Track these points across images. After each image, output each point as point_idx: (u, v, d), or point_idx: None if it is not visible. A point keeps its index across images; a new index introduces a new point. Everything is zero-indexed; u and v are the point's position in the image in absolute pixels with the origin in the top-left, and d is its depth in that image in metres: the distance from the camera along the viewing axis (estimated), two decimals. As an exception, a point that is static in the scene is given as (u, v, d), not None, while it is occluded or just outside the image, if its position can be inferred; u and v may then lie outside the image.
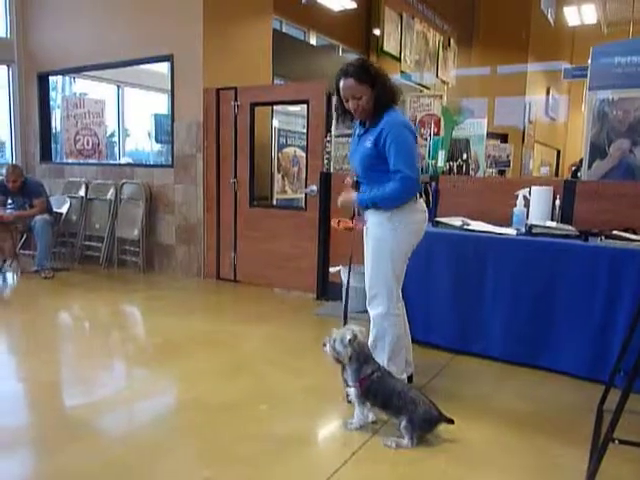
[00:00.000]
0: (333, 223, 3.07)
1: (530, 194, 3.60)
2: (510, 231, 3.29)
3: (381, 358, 2.60)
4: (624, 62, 4.42)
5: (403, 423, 2.22)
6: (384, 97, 2.47)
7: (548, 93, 12.48)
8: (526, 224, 3.34)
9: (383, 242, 2.55)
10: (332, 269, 4.45)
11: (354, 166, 2.70)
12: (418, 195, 2.59)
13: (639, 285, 2.72)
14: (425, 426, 2.23)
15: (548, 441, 2.35)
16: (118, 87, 7.64)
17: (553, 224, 3.29)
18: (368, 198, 2.55)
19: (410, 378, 2.80)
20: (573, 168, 9.51)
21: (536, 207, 3.55)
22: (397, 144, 2.41)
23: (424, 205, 2.65)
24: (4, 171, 5.46)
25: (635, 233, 3.13)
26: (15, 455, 2.22)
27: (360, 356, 2.31)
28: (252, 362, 3.24)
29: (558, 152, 13.97)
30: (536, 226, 3.24)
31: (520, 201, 3.56)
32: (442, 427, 2.30)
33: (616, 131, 4.21)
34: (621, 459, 2.05)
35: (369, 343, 2.58)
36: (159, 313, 4.31)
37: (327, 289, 4.67)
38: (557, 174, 13.26)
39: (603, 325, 2.88)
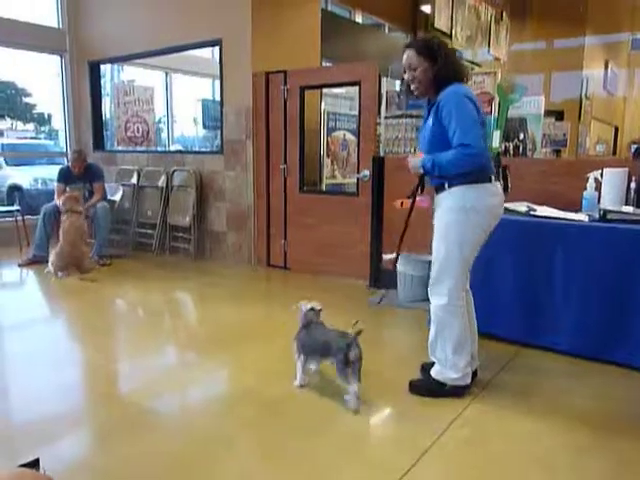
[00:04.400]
0: (397, 204, 2.96)
1: (602, 176, 3.37)
2: (581, 217, 3.09)
3: (444, 351, 2.52)
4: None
5: (339, 366, 2.41)
6: (446, 72, 2.37)
7: (606, 67, 11.82)
8: (599, 209, 3.12)
9: (453, 228, 2.40)
10: (386, 256, 4.33)
11: (422, 149, 2.55)
12: (493, 177, 2.43)
13: None
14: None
15: (626, 445, 2.19)
16: (166, 74, 7.68)
17: (630, 209, 3.07)
18: (431, 159, 2.39)
19: (475, 373, 2.67)
20: (634, 146, 9.01)
21: (609, 191, 3.31)
22: (456, 113, 2.28)
23: (500, 188, 2.48)
24: (69, 156, 5.59)
25: None
26: (75, 444, 2.25)
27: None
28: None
29: (616, 129, 13.27)
30: (611, 211, 3.02)
31: (591, 184, 3.34)
32: (515, 427, 2.18)
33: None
34: None
35: (430, 338, 2.55)
36: (212, 301, 4.32)
37: (380, 277, 4.56)
38: (614, 152, 12.63)
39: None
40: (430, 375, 2.62)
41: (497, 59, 9.39)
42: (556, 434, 2.25)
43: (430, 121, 2.42)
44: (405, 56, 2.44)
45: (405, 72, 2.46)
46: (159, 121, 7.86)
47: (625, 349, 2.85)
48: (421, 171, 2.47)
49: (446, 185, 2.41)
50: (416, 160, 2.49)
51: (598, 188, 3.36)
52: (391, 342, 3.54)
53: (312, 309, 2.75)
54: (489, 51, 9.06)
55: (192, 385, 2.82)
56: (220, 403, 2.61)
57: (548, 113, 7.08)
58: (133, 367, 3.07)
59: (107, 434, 2.28)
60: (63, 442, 2.22)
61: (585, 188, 3.34)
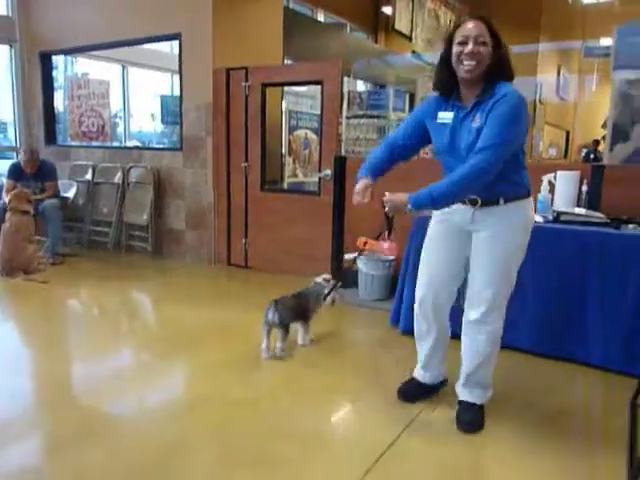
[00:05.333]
0: (359, 243, 2.57)
1: (555, 179, 3.48)
2: (536, 218, 3.17)
3: (489, 375, 2.36)
4: (649, 41, 4.26)
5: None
6: (506, 65, 2.02)
7: (559, 73, 12.24)
8: (553, 211, 3.22)
9: (517, 251, 2.14)
10: (347, 256, 4.34)
11: (449, 158, 2.12)
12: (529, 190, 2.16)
13: (676, 276, 2.60)
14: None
15: (582, 439, 2.27)
16: (123, 67, 7.47)
17: (582, 211, 3.18)
18: (428, 192, 1.97)
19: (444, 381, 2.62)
20: (584, 150, 9.32)
21: (562, 193, 3.42)
22: (499, 119, 1.91)
23: None
24: (22, 154, 5.34)
25: (667, 220, 3.02)
26: (29, 451, 2.15)
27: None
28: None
29: (567, 133, 13.76)
30: (564, 213, 3.12)
31: (545, 186, 3.44)
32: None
33: (639, 113, 4.07)
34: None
35: (476, 365, 2.31)
36: (170, 301, 4.22)
37: (342, 275, 4.55)
38: (566, 156, 13.08)
39: (636, 317, 2.78)
40: (472, 406, 2.35)
41: (456, 62, 9.57)
42: (510, 428, 2.31)
43: (476, 124, 1.99)
44: (473, 25, 1.99)
45: (464, 43, 1.98)
46: (115, 116, 7.65)
47: (579, 347, 2.95)
48: (409, 210, 2.02)
49: (501, 200, 2.06)
50: (401, 197, 2.03)
51: (552, 190, 3.46)
52: (353, 340, 3.55)
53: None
54: (448, 54, 9.22)
55: (150, 389, 2.74)
56: (179, 406, 2.55)
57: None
58: (87, 371, 2.97)
59: (59, 442, 2.19)
60: (11, 450, 2.12)
61: (539, 191, 3.44)
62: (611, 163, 3.95)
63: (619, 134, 4.15)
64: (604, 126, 4.33)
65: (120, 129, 7.92)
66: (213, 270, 5.23)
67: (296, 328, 3.17)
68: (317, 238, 4.71)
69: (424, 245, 2.36)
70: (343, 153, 4.61)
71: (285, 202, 4.96)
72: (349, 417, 2.54)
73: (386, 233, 2.29)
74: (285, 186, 5.65)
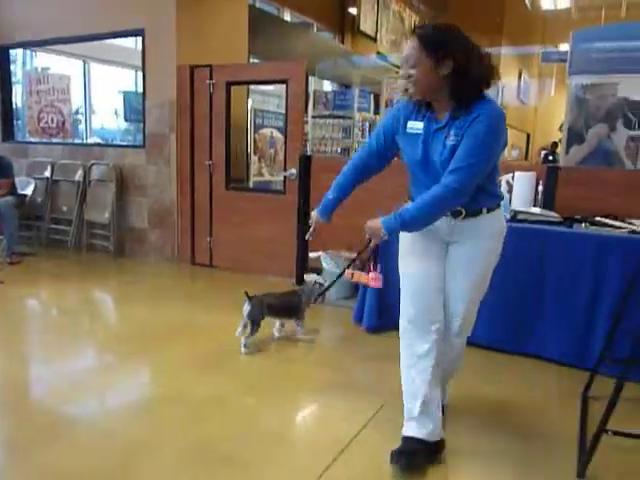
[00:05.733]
0: (347, 274, 2.45)
1: (513, 180, 3.58)
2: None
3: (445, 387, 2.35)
4: (603, 47, 4.43)
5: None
6: (465, 81, 1.78)
7: (520, 77, 12.58)
8: (510, 210, 3.32)
9: (494, 257, 2.05)
10: (312, 254, 4.37)
11: (420, 172, 1.97)
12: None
13: (624, 272, 2.72)
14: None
15: (535, 429, 2.35)
16: (84, 62, 7.30)
17: (537, 210, 3.28)
18: (399, 216, 1.87)
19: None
20: (543, 152, 9.60)
21: (519, 193, 3.53)
22: (476, 138, 1.76)
23: None
24: None
25: (617, 219, 3.15)
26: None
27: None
28: (233, 352, 3.14)
29: (528, 135, 14.15)
30: (521, 212, 3.23)
31: (504, 187, 3.54)
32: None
33: (593, 116, 4.23)
34: (610, 447, 2.04)
35: (446, 370, 2.21)
36: (132, 301, 4.16)
37: (307, 274, 4.58)
38: (526, 157, 13.45)
39: (588, 312, 2.89)
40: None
41: (420, 64, 9.72)
42: (466, 420, 2.37)
43: (451, 141, 1.83)
44: (406, 45, 1.83)
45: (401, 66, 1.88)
46: (76, 112, 7.47)
47: (535, 341, 3.05)
48: (386, 237, 1.91)
49: (484, 210, 1.95)
50: (377, 222, 1.91)
51: (510, 191, 3.56)
52: (317, 337, 3.57)
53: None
54: (413, 56, 9.36)
55: (111, 390, 2.70)
56: (142, 407, 2.52)
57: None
58: (46, 373, 2.90)
59: (17, 445, 2.14)
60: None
61: (498, 190, 3.53)
62: (566, 165, 4.10)
63: (574, 137, 4.30)
64: (561, 129, 4.47)
65: (82, 126, 7.74)
66: (177, 269, 5.18)
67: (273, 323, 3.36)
68: (282, 237, 4.72)
69: (400, 257, 2.14)
70: (309, 152, 4.62)
71: (250, 201, 4.95)
72: (312, 414, 2.56)
73: (371, 263, 2.19)
74: (251, 185, 5.64)
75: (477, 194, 1.88)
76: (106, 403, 2.60)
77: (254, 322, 3.07)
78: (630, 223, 3.05)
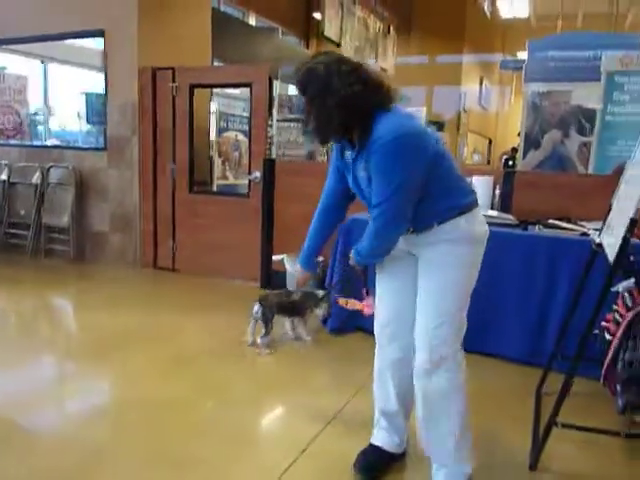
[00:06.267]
0: (340, 302, 2.38)
1: (472, 184, 3.67)
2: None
3: (454, 440, 1.82)
4: (557, 56, 4.60)
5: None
6: (364, 105, 1.66)
7: (481, 83, 12.89)
8: (469, 213, 3.40)
9: (457, 267, 1.78)
10: (275, 257, 4.38)
11: (362, 199, 1.88)
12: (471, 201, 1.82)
13: (574, 273, 2.82)
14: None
15: (490, 424, 2.41)
16: (43, 62, 7.13)
17: (494, 213, 3.38)
18: (356, 250, 1.86)
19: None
20: (504, 157, 9.88)
21: (478, 196, 3.62)
22: (382, 168, 1.66)
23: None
24: None
25: (569, 222, 3.27)
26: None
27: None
28: (195, 356, 3.13)
29: (490, 141, 14.49)
30: (478, 215, 3.31)
31: (462, 190, 3.63)
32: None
33: (548, 122, 4.38)
34: (561, 440, 2.13)
35: (426, 428, 1.89)
36: (92, 306, 4.08)
37: (271, 277, 4.59)
38: (489, 162, 13.77)
39: (542, 312, 3.00)
40: None
41: (384, 70, 9.86)
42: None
43: (363, 174, 1.75)
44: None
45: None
46: (35, 113, 7.28)
47: (491, 340, 3.13)
48: (359, 266, 1.91)
49: (435, 224, 1.76)
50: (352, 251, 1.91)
51: (469, 194, 3.65)
52: (282, 339, 3.57)
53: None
54: (376, 62, 9.49)
55: (69, 397, 2.66)
56: (100, 414, 2.48)
57: (430, 124, 7.60)
58: (1, 381, 2.82)
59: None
60: None
61: (458, 194, 3.62)
62: (522, 169, 4.24)
63: (531, 142, 4.45)
64: (520, 134, 4.62)
65: (41, 127, 7.55)
66: (139, 274, 5.11)
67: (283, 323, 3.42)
68: (246, 240, 4.71)
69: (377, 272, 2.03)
70: (274, 156, 4.64)
71: (214, 204, 4.93)
72: (273, 414, 2.57)
73: (364, 290, 2.10)
74: (214, 188, 5.61)
75: (421, 214, 1.75)
76: (63, 411, 2.56)
77: (267, 322, 3.16)
78: (581, 225, 3.17)
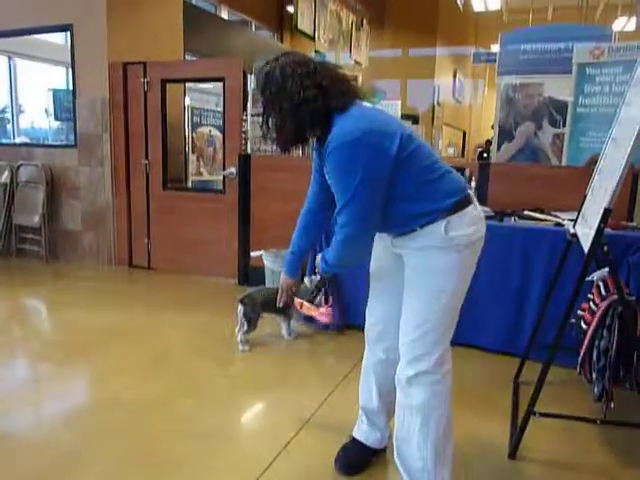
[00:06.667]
0: (296, 303, 2.24)
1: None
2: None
3: (423, 458, 1.70)
4: (529, 49, 4.65)
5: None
6: (318, 109, 1.60)
7: (455, 76, 12.97)
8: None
9: (442, 274, 1.66)
10: (253, 253, 4.34)
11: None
12: (472, 193, 1.72)
13: (550, 263, 2.86)
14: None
15: (469, 414, 2.43)
16: (9, 58, 6.93)
17: (470, 205, 3.40)
18: (322, 258, 1.79)
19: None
20: (479, 149, 9.98)
21: (453, 189, 3.64)
22: (337, 174, 1.60)
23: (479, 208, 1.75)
24: None
25: (543, 212, 3.31)
26: None
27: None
28: (172, 355, 3.10)
29: (464, 133, 14.62)
30: (454, 207, 3.33)
31: (438, 183, 3.64)
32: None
33: (521, 115, 4.43)
34: (539, 429, 2.16)
35: (400, 437, 1.77)
36: (66, 306, 4.00)
37: (249, 274, 4.56)
38: (463, 154, 13.91)
39: (518, 302, 3.04)
40: None
41: (358, 63, 9.85)
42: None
43: (327, 175, 1.69)
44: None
45: None
46: (2, 111, 7.09)
47: (467, 330, 3.14)
48: (322, 273, 1.83)
49: (417, 228, 1.65)
50: (318, 259, 1.84)
51: (445, 186, 3.67)
52: (261, 335, 3.55)
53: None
54: (350, 55, 9.47)
55: (44, 399, 2.59)
56: (76, 416, 2.42)
57: (405, 117, 7.62)
58: (-30, 384, 2.74)
59: None
60: None
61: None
62: (496, 162, 4.27)
63: (505, 135, 4.49)
64: (493, 127, 4.66)
65: (9, 125, 7.35)
66: (113, 272, 5.02)
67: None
68: (223, 237, 4.67)
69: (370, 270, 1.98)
70: (249, 151, 4.59)
71: (189, 201, 4.86)
72: (254, 411, 2.55)
73: (322, 298, 2.06)
74: (189, 184, 5.53)
75: (399, 218, 1.67)
76: (39, 412, 2.50)
77: (250, 320, 3.14)
78: (556, 216, 3.21)
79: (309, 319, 3.49)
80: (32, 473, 1.95)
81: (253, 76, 4.91)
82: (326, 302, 1.97)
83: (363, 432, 2.06)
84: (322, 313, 2.04)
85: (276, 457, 2.06)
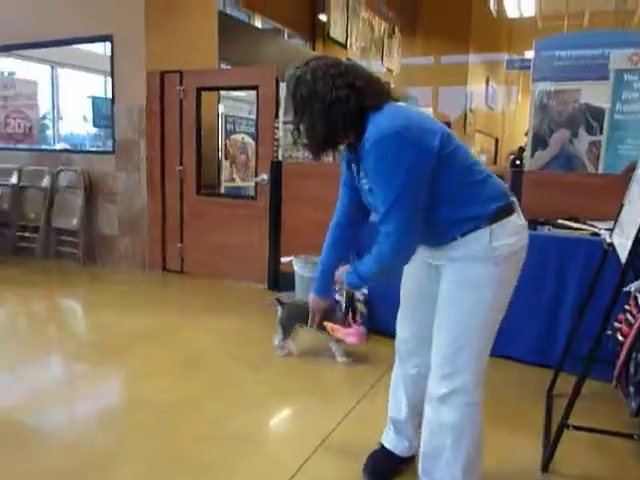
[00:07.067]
0: (328, 328, 2.18)
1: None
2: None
3: (452, 474, 1.65)
4: (564, 55, 4.58)
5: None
6: (352, 109, 1.54)
7: (487, 83, 12.86)
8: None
9: (481, 287, 1.58)
10: (284, 259, 4.38)
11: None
12: (514, 201, 1.63)
13: (585, 273, 2.81)
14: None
15: (501, 427, 2.39)
16: (52, 67, 7.18)
17: (503, 214, 3.36)
18: (354, 271, 1.68)
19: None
20: (511, 157, 9.85)
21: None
22: (378, 172, 1.52)
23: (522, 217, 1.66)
24: None
25: (578, 221, 3.25)
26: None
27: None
28: (203, 357, 3.14)
29: (496, 140, 14.46)
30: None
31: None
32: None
33: (556, 122, 4.36)
34: (573, 443, 2.11)
35: (427, 453, 1.72)
36: (101, 308, 4.10)
37: (279, 280, 4.60)
38: (495, 162, 13.75)
39: (552, 313, 2.98)
40: None
41: (390, 71, 9.87)
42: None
43: (365, 182, 1.61)
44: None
45: None
46: (44, 117, 7.34)
47: (499, 341, 3.11)
48: (348, 288, 1.76)
49: (457, 236, 1.58)
50: (341, 273, 1.77)
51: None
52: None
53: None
54: (382, 63, 9.49)
55: (78, 399, 2.67)
56: (109, 416, 2.49)
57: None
58: (9, 381, 2.84)
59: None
60: None
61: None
62: (530, 169, 4.22)
63: (538, 142, 4.44)
64: (527, 134, 4.60)
65: (50, 131, 7.61)
66: (147, 276, 5.13)
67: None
68: (254, 242, 4.72)
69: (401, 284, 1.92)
70: (281, 158, 4.64)
71: (222, 206, 4.94)
72: (283, 417, 2.57)
73: (350, 316, 1.93)
74: (222, 190, 5.62)
75: (437, 226, 1.59)
76: (73, 411, 2.57)
77: (284, 329, 3.13)
78: (592, 225, 3.15)
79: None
80: (64, 472, 2.01)
81: (284, 83, 4.97)
82: (354, 320, 1.81)
83: (391, 440, 2.05)
84: (353, 334, 1.92)
85: (304, 463, 2.07)
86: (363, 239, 1.86)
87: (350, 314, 1.92)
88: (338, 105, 1.53)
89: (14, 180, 5.67)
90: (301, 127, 1.61)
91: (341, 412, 2.47)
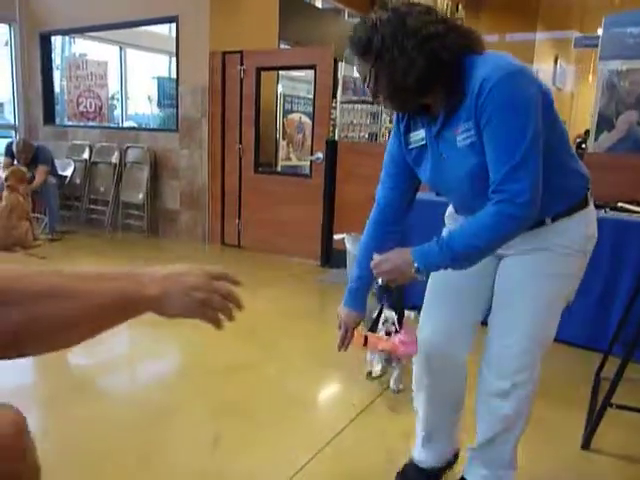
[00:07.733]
0: (356, 341, 1.65)
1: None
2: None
3: (511, 450, 1.60)
4: (636, 32, 4.36)
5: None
6: (451, 48, 1.26)
7: (556, 62, 12.30)
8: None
9: (564, 279, 1.46)
10: (336, 236, 4.47)
11: (452, 197, 1.55)
12: (589, 192, 1.44)
13: (641, 257, 2.75)
14: None
15: (545, 408, 2.40)
16: (120, 48, 7.52)
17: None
18: (438, 246, 1.31)
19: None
20: (578, 140, 9.45)
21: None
22: (506, 116, 1.23)
23: None
24: (14, 145, 5.35)
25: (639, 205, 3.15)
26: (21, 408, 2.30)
27: None
28: (257, 326, 3.30)
29: (564, 122, 13.85)
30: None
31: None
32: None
33: (625, 102, 4.19)
34: (615, 424, 2.11)
35: (488, 438, 1.58)
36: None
37: (331, 256, 4.71)
38: (562, 145, 13.16)
39: (604, 295, 2.93)
40: None
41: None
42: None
43: (467, 140, 1.31)
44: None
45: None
46: (113, 97, 7.72)
47: (563, 327, 3.09)
48: (417, 273, 1.34)
49: (547, 220, 1.39)
50: (403, 256, 1.35)
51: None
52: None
53: None
54: (444, 41, 9.27)
55: (140, 359, 2.92)
56: (172, 375, 2.72)
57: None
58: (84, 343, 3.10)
59: (55, 398, 2.35)
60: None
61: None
62: (593, 151, 4.09)
63: (605, 123, 4.27)
64: (592, 115, 4.44)
65: (117, 110, 8.00)
66: (206, 249, 5.37)
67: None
68: (308, 219, 4.84)
69: None
70: (337, 137, 4.71)
71: (278, 184, 5.08)
72: (329, 385, 2.70)
73: (398, 320, 1.62)
74: (279, 169, 5.76)
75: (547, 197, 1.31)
76: (133, 371, 2.81)
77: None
78: (654, 209, 3.05)
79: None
80: (128, 417, 2.22)
81: (343, 63, 5.01)
82: (400, 326, 1.56)
83: (418, 453, 1.80)
84: (403, 342, 1.57)
85: (348, 424, 2.18)
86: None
87: (398, 319, 1.56)
88: (436, 38, 1.24)
89: (86, 156, 6.04)
90: (379, 79, 1.31)
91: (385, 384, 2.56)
